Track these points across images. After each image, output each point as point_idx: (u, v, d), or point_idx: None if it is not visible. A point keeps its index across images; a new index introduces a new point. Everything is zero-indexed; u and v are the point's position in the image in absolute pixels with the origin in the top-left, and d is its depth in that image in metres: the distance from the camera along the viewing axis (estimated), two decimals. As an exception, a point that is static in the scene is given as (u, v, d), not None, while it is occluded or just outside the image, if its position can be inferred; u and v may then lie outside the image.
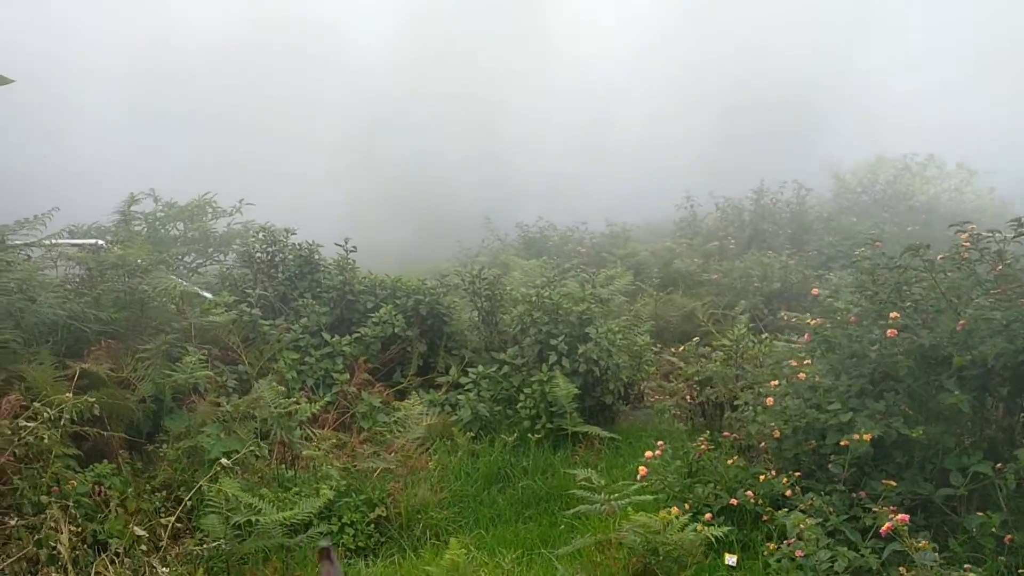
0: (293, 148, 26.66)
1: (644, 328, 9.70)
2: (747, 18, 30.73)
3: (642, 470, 5.55)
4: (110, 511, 4.60)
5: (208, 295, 7.21)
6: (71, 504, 4.66)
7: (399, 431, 7.21)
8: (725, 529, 4.78)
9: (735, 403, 7.14)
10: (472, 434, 7.30)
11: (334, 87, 29.29)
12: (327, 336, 8.19)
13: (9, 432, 4.41)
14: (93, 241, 8.46)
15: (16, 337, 5.12)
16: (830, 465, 5.46)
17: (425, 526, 5.95)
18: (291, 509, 4.94)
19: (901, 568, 4.31)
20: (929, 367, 5.21)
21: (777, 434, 5.60)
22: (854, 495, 5.28)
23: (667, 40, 30.92)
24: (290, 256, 8.96)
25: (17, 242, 5.99)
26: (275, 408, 5.89)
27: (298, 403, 6.11)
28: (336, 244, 8.94)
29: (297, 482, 5.85)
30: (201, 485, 4.41)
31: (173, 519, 4.44)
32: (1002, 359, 4.90)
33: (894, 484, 5.05)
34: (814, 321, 5.66)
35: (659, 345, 9.26)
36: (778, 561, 4.61)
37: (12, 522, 3.96)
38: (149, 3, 28.28)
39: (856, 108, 26.98)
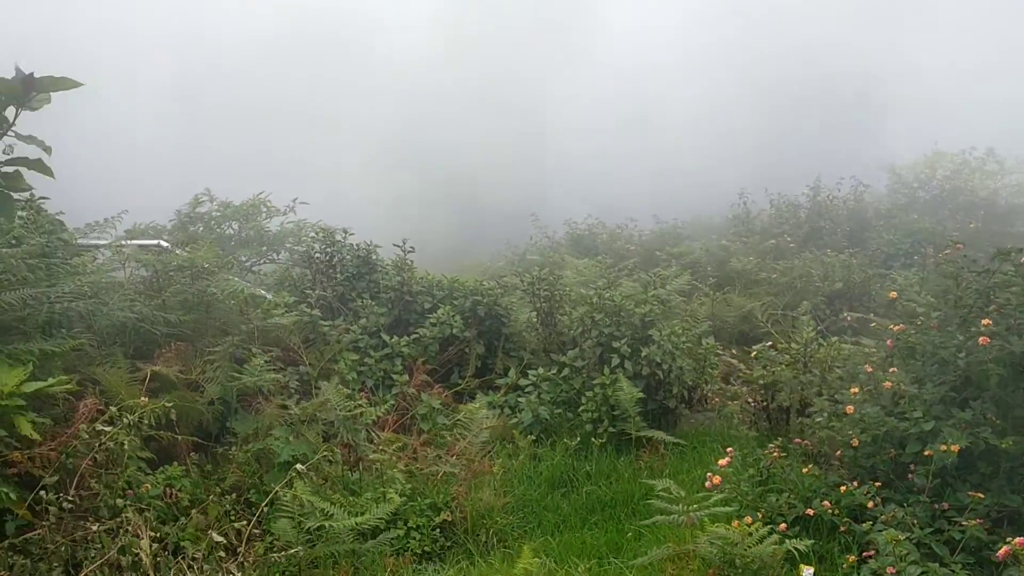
0: (333, 143, 26.77)
1: (702, 329, 9.55)
2: (797, 8, 30.09)
3: (715, 478, 5.42)
4: (192, 516, 4.61)
5: (268, 295, 7.23)
6: (145, 507, 4.69)
7: (460, 433, 7.16)
8: (808, 542, 4.64)
9: (805, 408, 6.98)
10: (533, 437, 7.23)
11: (374, 82, 29.34)
12: (386, 337, 8.17)
13: (87, 436, 4.44)
14: (155, 242, 8.56)
15: (91, 340, 5.16)
16: (911, 475, 5.29)
17: (490, 531, 5.89)
18: (362, 514, 4.92)
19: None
20: (1019, 375, 5.01)
21: (856, 442, 5.43)
22: (936, 506, 5.10)
23: (713, 31, 30.41)
24: (348, 256, 8.97)
25: (86, 244, 6.07)
26: (341, 411, 5.87)
27: (363, 406, 6.08)
28: (394, 244, 8.93)
29: (362, 486, 5.83)
30: (277, 491, 4.39)
31: (250, 525, 4.43)
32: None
33: (982, 496, 4.87)
34: (896, 327, 5.47)
35: (721, 347, 9.10)
36: (860, 576, 4.47)
37: (94, 527, 3.98)
38: (193, 6, 28.61)
39: (911, 101, 26.29)
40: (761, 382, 7.53)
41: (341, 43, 29.07)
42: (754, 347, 7.65)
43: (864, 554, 4.91)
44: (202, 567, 4.05)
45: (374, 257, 9.08)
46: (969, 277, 5.25)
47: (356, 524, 4.69)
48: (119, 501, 4.51)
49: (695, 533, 4.95)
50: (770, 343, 8.00)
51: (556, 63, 30.07)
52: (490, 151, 27.97)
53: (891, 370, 5.51)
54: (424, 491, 6.06)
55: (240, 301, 6.45)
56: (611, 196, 23.81)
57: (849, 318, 10.16)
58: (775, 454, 6.04)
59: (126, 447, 4.28)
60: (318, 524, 4.55)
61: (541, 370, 7.70)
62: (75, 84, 7.06)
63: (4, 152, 6.59)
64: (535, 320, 8.54)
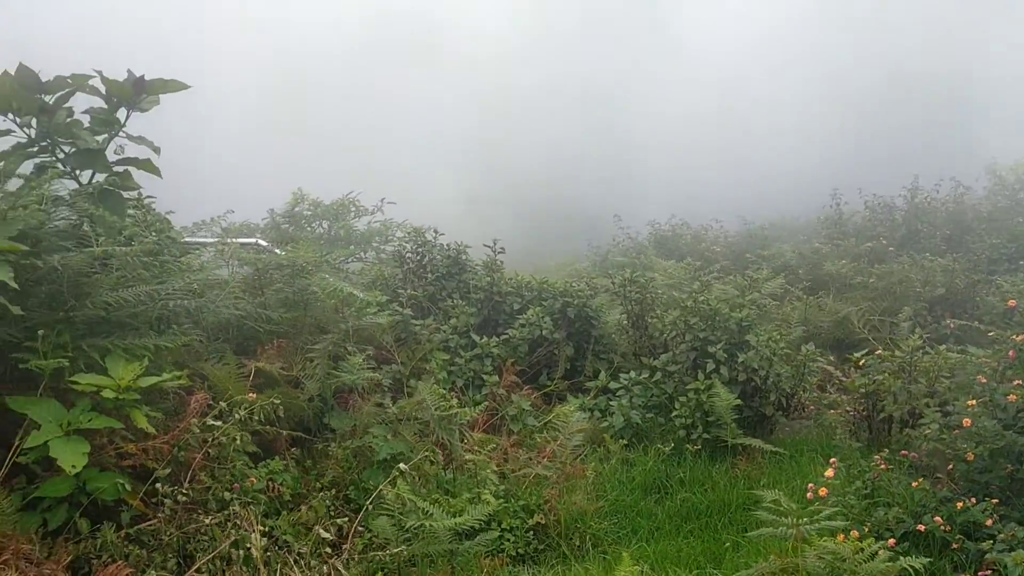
0: (411, 143, 27.11)
1: (796, 334, 9.29)
2: (890, 4, 29.07)
3: (821, 490, 5.25)
4: (300, 511, 4.69)
5: (360, 295, 7.33)
6: (251, 501, 4.79)
7: (551, 436, 7.12)
8: (924, 560, 4.43)
9: (910, 419, 6.71)
10: (624, 441, 7.14)
11: (453, 82, 29.59)
12: (476, 337, 8.19)
13: (198, 430, 4.56)
14: (253, 240, 8.78)
15: (199, 336, 5.31)
16: (1032, 493, 5.03)
17: (584, 535, 5.84)
18: (460, 515, 4.92)
19: None
20: None
21: (971, 456, 5.18)
22: (1057, 527, 4.83)
23: (800, 24, 29.59)
24: (438, 256, 9.04)
25: (192, 242, 6.26)
26: (436, 411, 5.90)
27: (458, 406, 6.10)
28: (484, 245, 8.95)
29: (456, 486, 5.85)
30: (381, 489, 4.43)
31: (355, 522, 4.48)
32: None
33: (1115, 519, 4.59)
34: (1020, 337, 5.19)
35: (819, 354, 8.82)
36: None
37: (206, 520, 4.08)
38: (275, 6, 29.33)
39: (1010, 101, 25.11)
40: (863, 391, 7.28)
41: (419, 47, 29.43)
42: (856, 354, 7.40)
43: (979, 574, 4.69)
44: (309, 562, 4.11)
45: (464, 257, 9.12)
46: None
47: (455, 525, 4.69)
48: (227, 494, 4.62)
49: (800, 546, 4.79)
50: (869, 350, 7.72)
51: (636, 61, 29.79)
52: (566, 152, 27.89)
53: (1015, 382, 5.23)
54: (517, 493, 6.04)
55: (338, 300, 6.54)
56: (691, 196, 23.45)
57: (952, 325, 9.73)
58: (881, 466, 5.83)
59: (238, 442, 4.38)
60: (419, 523, 4.56)
61: (632, 374, 7.59)
62: (183, 86, 7.25)
63: (116, 152, 6.85)
64: (625, 323, 8.43)
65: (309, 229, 13.87)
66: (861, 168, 21.58)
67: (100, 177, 6.47)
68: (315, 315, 7.14)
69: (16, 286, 3.86)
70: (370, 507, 4.43)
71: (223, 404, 4.65)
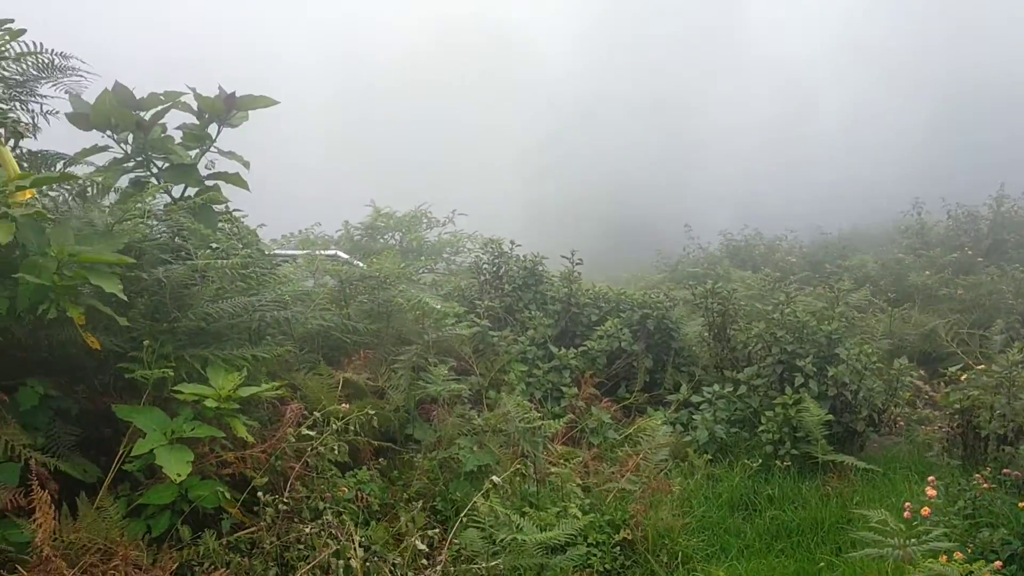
0: (477, 152, 27.27)
1: (880, 345, 9.02)
2: (963, 5, 28.18)
3: (925, 510, 5.05)
4: (391, 522, 4.70)
5: (437, 306, 7.36)
6: (342, 511, 4.82)
7: (633, 450, 7.02)
8: (1042, 586, 4.22)
9: (1012, 436, 6.44)
10: (709, 456, 7.00)
11: (520, 90, 29.71)
12: (554, 349, 8.15)
13: (294, 440, 4.61)
14: (333, 252, 8.89)
15: (294, 348, 5.38)
16: None
17: (672, 552, 5.72)
18: (550, 529, 4.87)
19: None
20: None
21: (1083, 478, 4.93)
22: None
23: (872, 26, 28.92)
24: (515, 268, 9.03)
25: (281, 254, 6.38)
26: (521, 423, 5.87)
27: (541, 418, 6.06)
28: (562, 256, 8.91)
29: (540, 499, 5.80)
30: (476, 501, 4.41)
31: (451, 535, 4.47)
32: None
33: None
34: None
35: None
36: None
37: (307, 529, 4.11)
38: (343, 18, 29.86)
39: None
40: (957, 406, 7.01)
41: (485, 57, 29.63)
42: (952, 368, 7.12)
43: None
44: (405, 573, 4.11)
45: (540, 268, 9.09)
46: None
47: (547, 539, 4.64)
48: (320, 504, 4.66)
49: (902, 568, 4.61)
50: (963, 365, 7.44)
51: (703, 70, 29.48)
52: (632, 161, 27.74)
53: None
54: (601, 507, 5.96)
55: (421, 312, 6.58)
56: (758, 205, 23.07)
57: (1047, 339, 9.33)
58: (984, 485, 5.60)
59: (336, 452, 4.41)
60: (511, 536, 4.53)
61: (716, 387, 7.45)
62: (272, 102, 7.39)
63: (206, 167, 7.02)
64: (706, 335, 8.29)
65: (382, 241, 14.00)
66: (937, 177, 20.96)
67: (191, 191, 6.66)
68: (396, 326, 7.20)
69: (125, 298, 3.96)
70: (464, 519, 4.40)
71: (317, 414, 4.69)
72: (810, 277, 13.02)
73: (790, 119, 28.07)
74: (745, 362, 7.77)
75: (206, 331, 4.84)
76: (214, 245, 5.81)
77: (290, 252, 6.72)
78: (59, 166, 5.46)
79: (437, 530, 4.78)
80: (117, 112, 6.21)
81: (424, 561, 4.09)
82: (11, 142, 4.32)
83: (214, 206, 6.59)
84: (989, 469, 5.88)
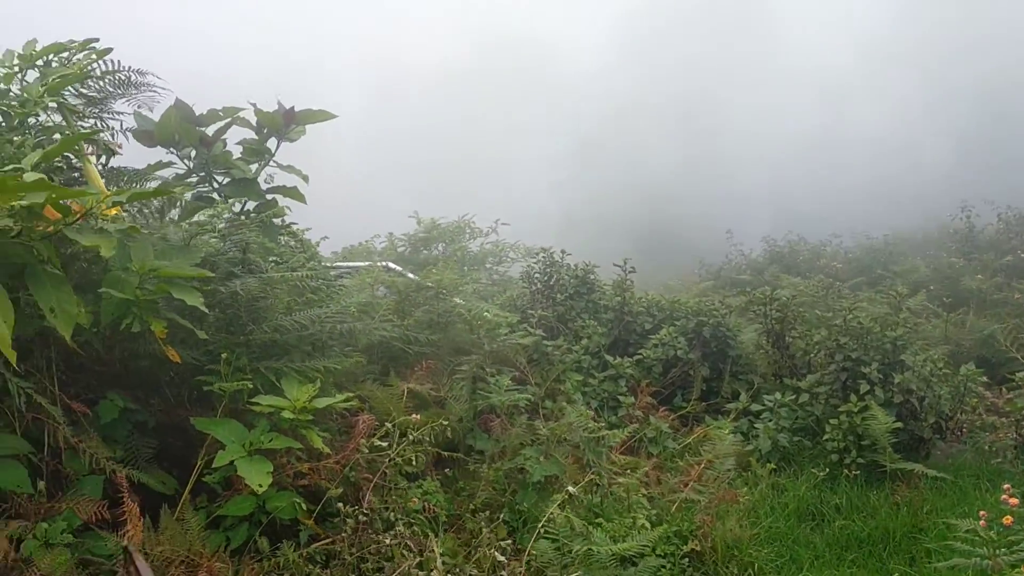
0: (511, 162, 27.30)
1: (938, 351, 8.85)
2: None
3: (1007, 519, 4.92)
4: (482, 532, 4.69)
5: (498, 317, 7.35)
6: (413, 521, 4.81)
7: (693, 459, 6.95)
8: None
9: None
10: (772, 465, 6.90)
11: (552, 99, 29.73)
12: (609, 358, 8.10)
13: (367, 451, 4.61)
14: (384, 264, 8.92)
15: (361, 359, 5.40)
16: None
17: (742, 563, 5.63)
18: (621, 540, 4.82)
19: None
20: None
21: None
22: None
23: (906, 31, 28.52)
24: (566, 277, 8.99)
25: (342, 266, 6.42)
26: (585, 433, 5.83)
27: (604, 428, 6.02)
28: (614, 264, 8.87)
29: (604, 509, 5.75)
30: (551, 513, 4.38)
31: (529, 546, 4.44)
32: None
33: None
34: None
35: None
36: None
37: (387, 540, 4.11)
38: (386, 32, 30.16)
39: None
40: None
41: (517, 68, 29.71)
42: (1018, 374, 6.97)
43: None
44: (485, 587, 4.09)
45: (592, 277, 9.05)
46: None
47: (621, 550, 4.59)
48: (392, 515, 4.66)
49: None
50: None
51: (735, 78, 29.30)
52: (664, 169, 27.61)
53: None
54: (667, 518, 5.90)
55: (481, 322, 6.57)
56: (794, 211, 22.83)
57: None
58: (1061, 494, 5.45)
59: (414, 463, 4.41)
60: (586, 548, 4.49)
61: (778, 395, 7.34)
62: (330, 116, 7.45)
63: (265, 181, 7.09)
64: (764, 342, 8.18)
65: (425, 252, 14.05)
66: (974, 180, 20.61)
67: (250, 205, 6.74)
68: (452, 337, 7.21)
69: (206, 311, 3.99)
70: (540, 529, 4.38)
71: (388, 425, 4.69)
72: (861, 283, 12.85)
73: (824, 125, 27.78)
74: (805, 369, 7.65)
75: (277, 343, 4.87)
76: (273, 259, 5.87)
77: (350, 264, 6.76)
78: (125, 181, 5.54)
79: (509, 541, 4.75)
80: (181, 128, 6.30)
81: (503, 573, 4.06)
82: (102, 159, 4.39)
83: (274, 220, 6.69)
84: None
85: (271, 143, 6.84)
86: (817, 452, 7.03)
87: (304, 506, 4.45)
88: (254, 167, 6.67)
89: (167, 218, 5.51)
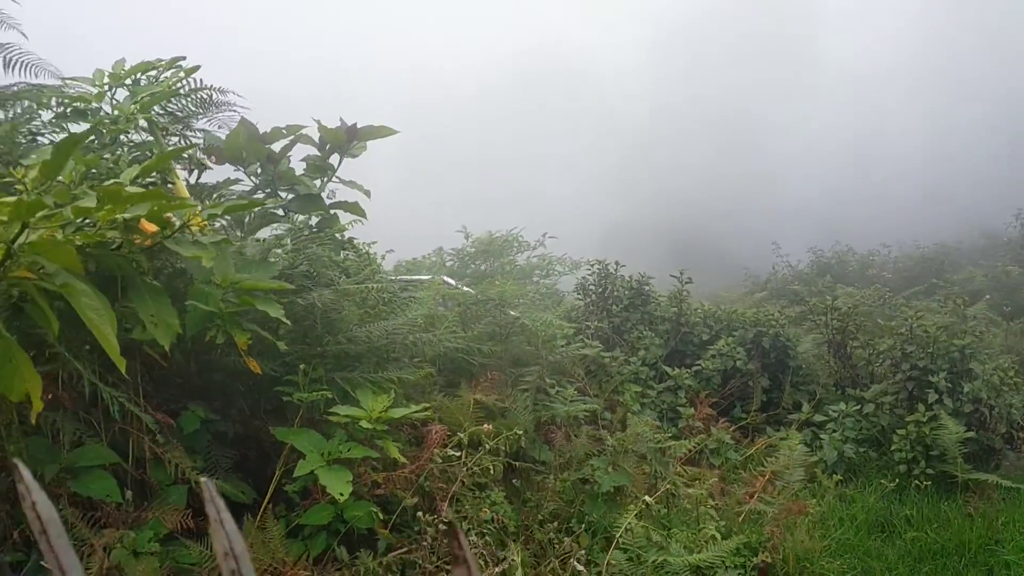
0: (551, 172, 27.38)
1: (1006, 359, 8.66)
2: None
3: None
4: (574, 544, 4.69)
5: (554, 326, 7.35)
6: (484, 532, 4.83)
7: (757, 469, 6.88)
8: None
9: None
10: (839, 476, 6.81)
11: (591, 114, 29.81)
12: (667, 369, 8.07)
13: (440, 460, 4.64)
14: (441, 277, 8.98)
15: (432, 370, 5.45)
16: None
17: None
18: (696, 552, 4.79)
19: None
20: None
21: None
22: None
23: (949, 42, 28.17)
24: (621, 288, 8.99)
25: (405, 279, 6.49)
26: (651, 443, 5.81)
27: (671, 439, 5.99)
28: (671, 275, 8.85)
29: (671, 520, 5.71)
30: (629, 524, 4.37)
31: (609, 557, 4.44)
32: None
33: None
34: None
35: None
36: None
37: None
38: (423, 44, 30.52)
39: None
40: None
41: (558, 80, 29.84)
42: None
43: None
44: (565, 596, 4.08)
45: (647, 288, 9.03)
46: None
47: (698, 561, 4.56)
48: (467, 525, 4.68)
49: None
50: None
51: (776, 89, 29.16)
52: (706, 180, 27.50)
53: None
54: (735, 529, 5.84)
55: (544, 334, 6.59)
56: (836, 222, 22.59)
57: None
58: None
59: (491, 471, 4.43)
60: (661, 559, 4.47)
61: (843, 405, 7.25)
62: (391, 132, 7.56)
63: (328, 196, 7.21)
64: (825, 352, 8.09)
65: (473, 266, 14.12)
66: (1013, 188, 20.22)
67: (313, 220, 6.85)
68: (512, 348, 7.23)
69: (288, 322, 4.06)
70: (591, 538, 4.37)
71: (462, 435, 4.72)
72: (918, 292, 12.64)
73: (866, 136, 27.53)
74: (867, 379, 7.55)
75: (350, 354, 4.93)
76: (340, 272, 5.95)
77: (414, 278, 6.84)
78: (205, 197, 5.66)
79: (583, 552, 4.74)
80: (249, 146, 6.44)
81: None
82: (194, 173, 4.50)
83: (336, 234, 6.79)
84: None
85: (333, 159, 6.96)
86: (884, 463, 6.93)
87: (380, 515, 4.49)
88: (318, 182, 6.79)
89: (239, 232, 5.63)
